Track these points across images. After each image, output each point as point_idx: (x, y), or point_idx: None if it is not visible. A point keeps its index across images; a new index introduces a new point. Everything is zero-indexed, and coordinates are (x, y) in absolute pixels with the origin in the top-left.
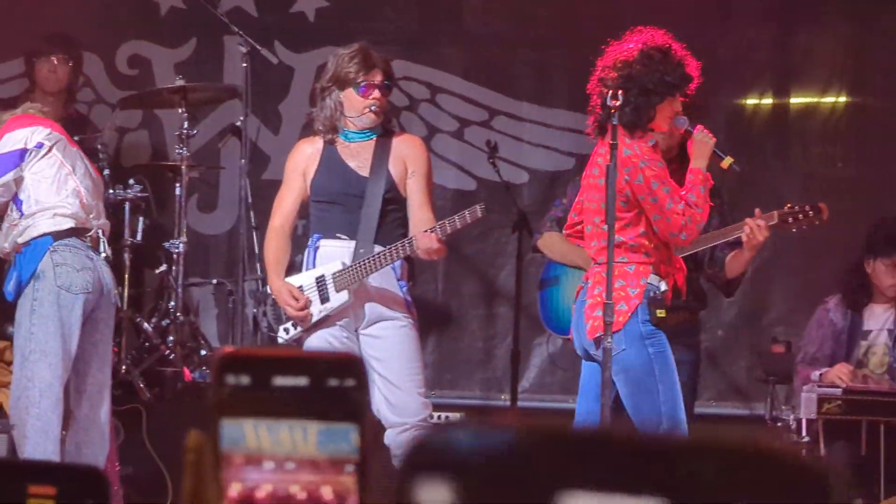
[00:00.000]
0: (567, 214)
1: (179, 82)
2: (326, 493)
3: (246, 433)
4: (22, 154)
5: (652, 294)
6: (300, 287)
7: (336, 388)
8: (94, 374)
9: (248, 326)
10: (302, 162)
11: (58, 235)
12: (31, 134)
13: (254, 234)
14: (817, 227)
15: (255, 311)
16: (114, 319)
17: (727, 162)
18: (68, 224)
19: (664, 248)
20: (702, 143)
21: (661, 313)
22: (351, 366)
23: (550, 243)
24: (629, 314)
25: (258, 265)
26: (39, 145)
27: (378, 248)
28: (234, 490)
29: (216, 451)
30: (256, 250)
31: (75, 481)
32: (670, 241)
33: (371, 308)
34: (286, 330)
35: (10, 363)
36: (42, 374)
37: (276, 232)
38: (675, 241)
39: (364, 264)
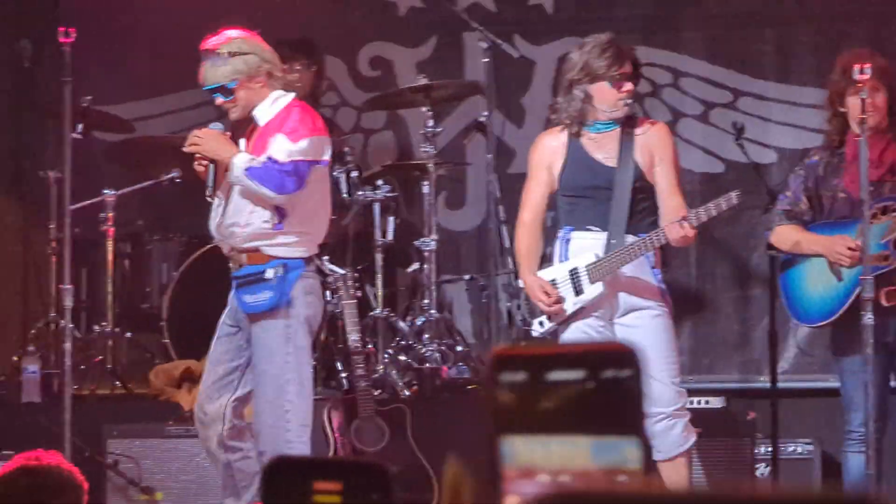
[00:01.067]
0: (795, 206)
1: (422, 81)
2: None
3: (520, 448)
4: (317, 165)
5: None
6: (553, 280)
7: (612, 379)
8: None
9: (503, 321)
10: (547, 156)
11: (307, 262)
12: (328, 145)
13: (504, 228)
14: None
15: (508, 305)
16: None
17: None
18: (314, 251)
19: None
20: None
21: None
22: (627, 357)
23: (783, 237)
24: None
25: (509, 259)
26: (325, 163)
27: (630, 239)
28: (512, 503)
29: (494, 468)
30: (507, 244)
31: (360, 477)
32: None
33: (625, 298)
34: (541, 323)
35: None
36: (299, 405)
37: (526, 226)
38: None
39: (617, 255)
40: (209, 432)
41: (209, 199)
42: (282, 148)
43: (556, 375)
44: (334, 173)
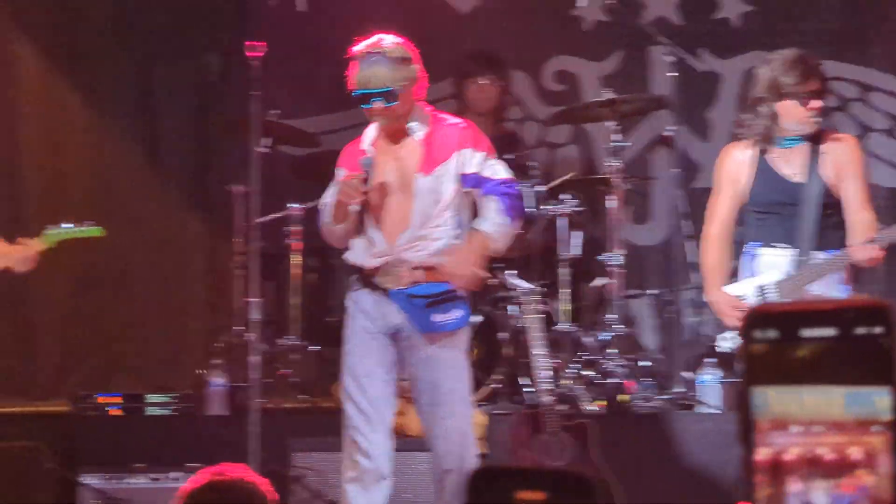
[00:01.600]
0: None
1: (608, 95)
2: (855, 453)
3: (772, 399)
4: None
5: None
6: (740, 296)
7: (864, 336)
8: None
9: (688, 336)
10: (734, 169)
11: None
12: None
13: (689, 243)
14: None
15: (693, 320)
16: None
17: None
18: None
19: None
20: None
21: None
22: (880, 313)
23: None
24: None
25: (695, 274)
26: None
27: (819, 255)
28: (763, 454)
29: (746, 418)
30: (692, 259)
31: (564, 486)
32: None
33: None
34: (726, 339)
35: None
36: (474, 420)
37: (712, 240)
38: None
39: (806, 272)
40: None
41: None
42: (499, 169)
43: (809, 332)
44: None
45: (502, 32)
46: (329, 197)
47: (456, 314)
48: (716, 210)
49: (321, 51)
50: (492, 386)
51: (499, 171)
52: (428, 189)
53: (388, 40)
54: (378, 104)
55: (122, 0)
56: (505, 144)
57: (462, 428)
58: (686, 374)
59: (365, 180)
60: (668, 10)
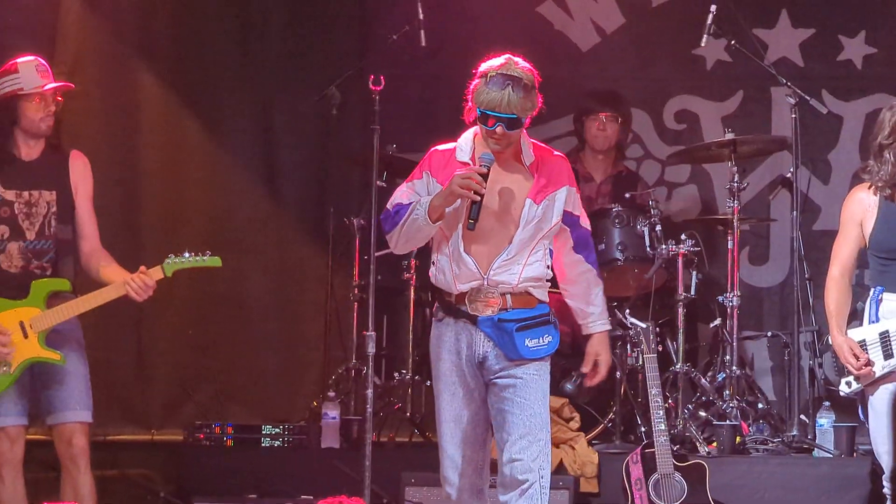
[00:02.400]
0: None
1: (729, 135)
2: None
3: None
4: None
5: None
6: (862, 341)
7: None
8: None
9: (804, 379)
10: (859, 212)
11: None
12: None
13: (808, 285)
14: None
15: (810, 363)
16: None
17: None
18: None
19: None
20: None
21: None
22: None
23: None
24: None
25: (813, 316)
26: None
27: None
28: None
29: None
30: (811, 301)
31: None
32: None
33: None
34: (848, 384)
35: (568, 420)
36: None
37: (835, 282)
38: None
39: None
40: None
41: (470, 229)
42: (580, 206)
43: None
44: (638, 226)
45: (623, 70)
46: (404, 196)
47: (547, 339)
48: (839, 251)
49: (439, 85)
50: (606, 424)
51: (585, 217)
52: (535, 217)
53: (521, 65)
54: (501, 129)
55: (244, 34)
56: (624, 182)
57: (544, 454)
58: (803, 418)
59: (485, 175)
60: (790, 51)
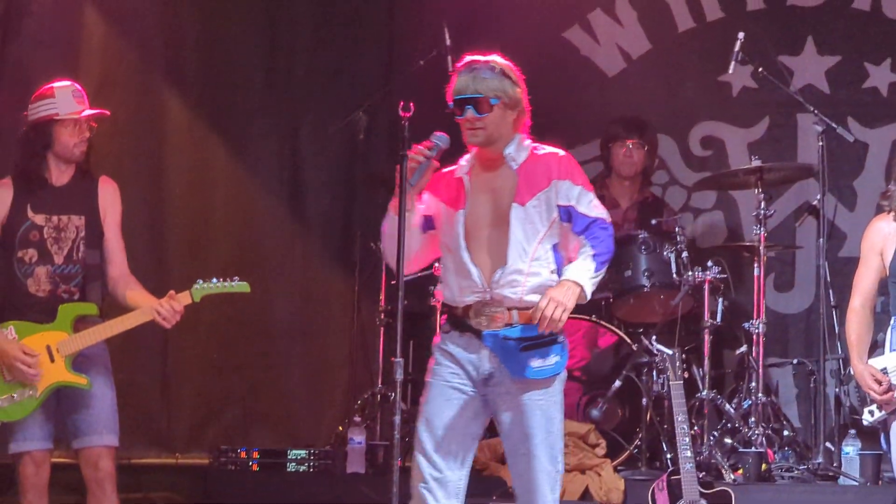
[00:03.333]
0: None
1: (756, 163)
2: None
3: None
4: None
5: None
6: (884, 369)
7: None
8: None
9: (830, 406)
10: (879, 241)
11: None
12: None
13: (833, 312)
14: None
15: (836, 390)
16: None
17: None
18: None
19: None
20: None
21: None
22: None
23: None
24: None
25: (838, 344)
26: None
27: None
28: None
29: None
30: (836, 329)
31: None
32: None
33: None
34: (871, 412)
35: (594, 446)
36: (560, 478)
37: (856, 312)
38: None
39: None
40: None
41: (412, 183)
42: (595, 205)
43: None
44: (665, 253)
45: (649, 96)
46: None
47: (554, 360)
48: (860, 280)
49: None
50: (632, 451)
51: (594, 207)
52: (523, 219)
53: (495, 58)
54: (469, 113)
55: (271, 56)
56: (650, 209)
57: (550, 482)
58: (829, 445)
59: (431, 148)
60: (816, 78)
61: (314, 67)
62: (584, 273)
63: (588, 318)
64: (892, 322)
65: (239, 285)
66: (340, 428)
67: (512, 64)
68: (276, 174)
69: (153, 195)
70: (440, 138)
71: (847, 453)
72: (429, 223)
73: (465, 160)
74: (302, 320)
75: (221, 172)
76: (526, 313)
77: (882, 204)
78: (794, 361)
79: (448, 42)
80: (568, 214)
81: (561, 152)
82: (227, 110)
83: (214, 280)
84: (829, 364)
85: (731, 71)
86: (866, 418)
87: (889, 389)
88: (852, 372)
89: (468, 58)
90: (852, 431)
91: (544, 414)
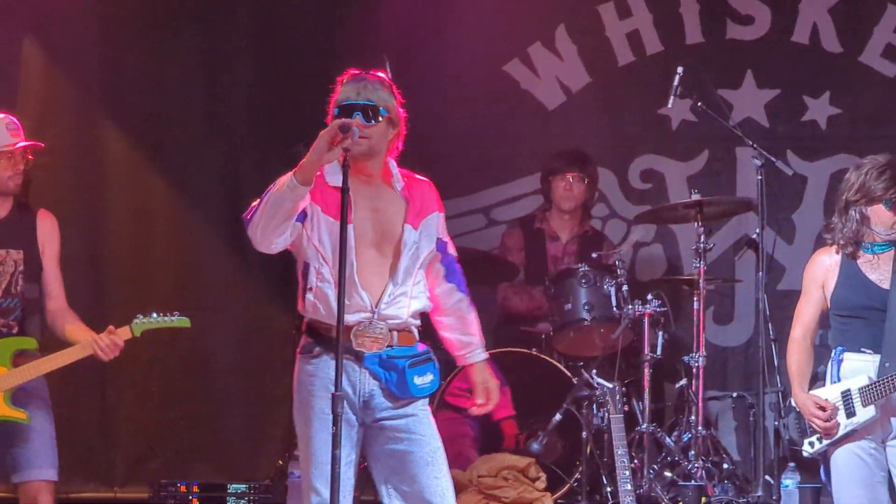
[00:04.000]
0: None
1: (695, 196)
2: None
3: None
4: None
5: None
6: (825, 400)
7: None
8: None
9: (770, 439)
10: (821, 274)
11: None
12: None
13: (773, 346)
14: None
15: (776, 423)
16: None
17: None
18: None
19: None
20: None
21: None
22: None
23: None
24: None
25: (778, 377)
26: None
27: None
28: None
29: None
30: (776, 362)
31: None
32: None
33: None
34: (811, 444)
35: (534, 479)
36: None
37: (796, 342)
38: None
39: (891, 379)
40: None
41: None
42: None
43: None
44: (605, 286)
45: (589, 129)
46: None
47: (431, 377)
48: (801, 313)
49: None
50: (572, 484)
51: (447, 234)
52: (413, 242)
53: (382, 75)
54: (357, 120)
55: (211, 89)
56: (590, 242)
57: (451, 486)
58: (768, 479)
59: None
60: (756, 111)
61: (254, 101)
62: (481, 336)
63: (528, 350)
64: (832, 355)
65: (179, 320)
66: (280, 462)
67: (395, 86)
68: (216, 208)
69: (93, 229)
70: (349, 129)
71: (786, 486)
72: (303, 214)
73: (332, 166)
74: (242, 354)
75: (162, 206)
76: (405, 335)
77: (825, 237)
78: (734, 395)
79: (389, 75)
80: (441, 245)
81: (427, 179)
82: (167, 144)
83: (154, 315)
84: (768, 397)
85: (670, 105)
86: (806, 450)
87: (831, 417)
88: (793, 402)
89: (354, 71)
90: (791, 464)
91: (431, 424)
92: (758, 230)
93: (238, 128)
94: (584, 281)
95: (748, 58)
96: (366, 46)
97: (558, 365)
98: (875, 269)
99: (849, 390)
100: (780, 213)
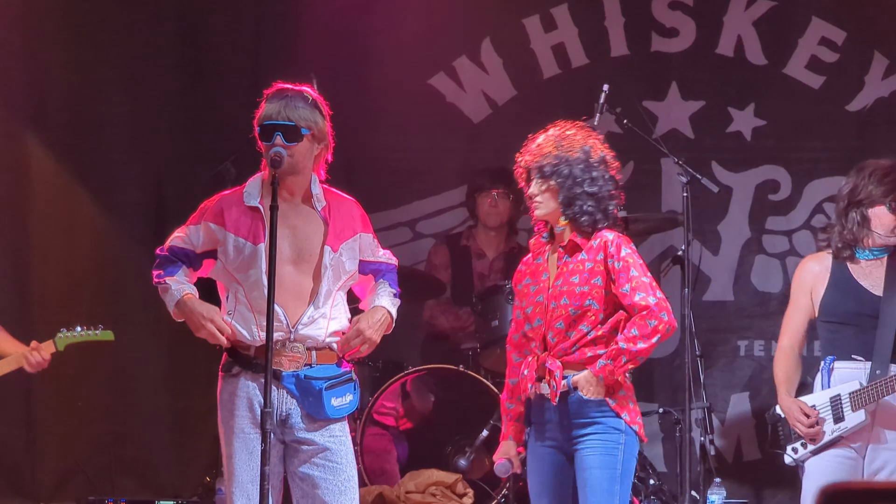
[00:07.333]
0: None
1: (621, 213)
2: None
3: None
4: None
5: None
6: (812, 406)
7: None
8: None
9: (696, 454)
10: (809, 280)
11: None
12: None
13: (699, 362)
14: None
15: (701, 439)
16: None
17: None
18: None
19: None
20: None
21: None
22: None
23: None
24: None
25: (703, 392)
26: None
27: (894, 369)
28: None
29: None
30: (701, 378)
31: None
32: None
33: (889, 429)
34: (794, 450)
35: (461, 496)
36: None
37: (784, 351)
38: None
39: (882, 385)
40: None
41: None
42: (388, 253)
43: None
44: None
45: (515, 142)
46: (178, 241)
47: (350, 398)
48: (788, 322)
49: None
50: (499, 500)
51: (389, 256)
52: (334, 264)
53: (307, 89)
54: (278, 140)
55: (136, 106)
56: (516, 259)
57: None
58: (694, 494)
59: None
60: (681, 123)
61: (180, 116)
62: (392, 305)
63: (455, 367)
64: (822, 365)
65: (103, 334)
66: (208, 479)
67: (322, 99)
68: (140, 223)
69: (17, 243)
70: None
71: (713, 501)
72: (214, 252)
73: (252, 187)
74: (168, 369)
75: (87, 221)
76: (324, 353)
77: (820, 239)
78: (660, 410)
79: (316, 90)
80: (370, 268)
81: (353, 200)
82: (92, 159)
83: (78, 328)
84: (694, 412)
85: (596, 123)
86: (790, 455)
87: (816, 423)
88: (778, 409)
89: (280, 85)
90: (717, 480)
91: (347, 449)
92: (684, 247)
93: (164, 143)
94: (510, 297)
95: (673, 70)
96: (291, 61)
97: (486, 381)
98: (867, 276)
99: (839, 395)
100: (706, 224)
